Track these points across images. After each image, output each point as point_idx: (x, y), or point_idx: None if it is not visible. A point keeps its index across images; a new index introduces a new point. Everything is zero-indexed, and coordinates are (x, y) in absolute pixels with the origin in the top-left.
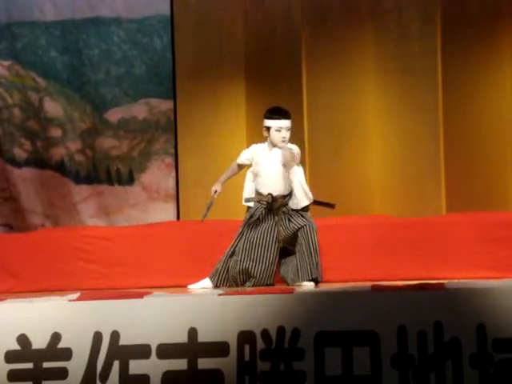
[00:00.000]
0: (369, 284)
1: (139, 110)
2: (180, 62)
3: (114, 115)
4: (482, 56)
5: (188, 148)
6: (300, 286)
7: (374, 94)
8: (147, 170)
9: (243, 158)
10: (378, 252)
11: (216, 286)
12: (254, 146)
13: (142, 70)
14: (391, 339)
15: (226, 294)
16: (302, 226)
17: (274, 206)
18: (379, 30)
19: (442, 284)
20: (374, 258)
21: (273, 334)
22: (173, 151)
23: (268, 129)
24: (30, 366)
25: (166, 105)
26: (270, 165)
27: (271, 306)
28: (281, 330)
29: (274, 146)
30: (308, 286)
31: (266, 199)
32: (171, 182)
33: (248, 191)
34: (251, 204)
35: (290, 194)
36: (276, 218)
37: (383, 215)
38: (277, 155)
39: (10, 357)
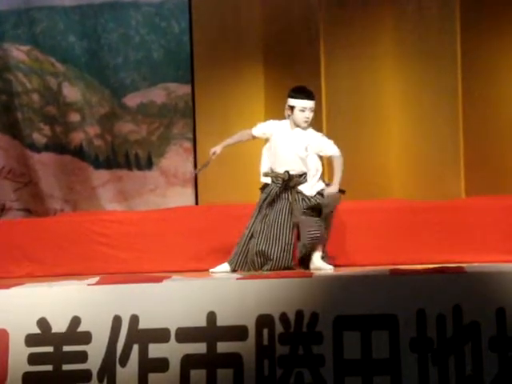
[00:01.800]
0: (387, 268)
1: (157, 95)
2: (198, 46)
3: (132, 100)
4: (502, 38)
5: (206, 132)
6: (319, 269)
7: (393, 78)
8: (166, 154)
9: (261, 130)
10: (396, 236)
11: (234, 270)
12: (273, 122)
13: (160, 54)
14: (410, 323)
15: (245, 277)
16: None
17: (290, 184)
18: (398, 13)
19: (462, 267)
20: (392, 242)
21: (291, 317)
22: (191, 136)
23: (291, 108)
24: (50, 349)
25: (184, 89)
26: (289, 143)
27: (290, 289)
28: (299, 314)
29: (297, 125)
30: (327, 269)
31: (282, 176)
32: (189, 167)
33: (265, 167)
34: (268, 180)
35: (305, 176)
36: (290, 198)
37: (402, 199)
38: (299, 135)
39: (31, 340)
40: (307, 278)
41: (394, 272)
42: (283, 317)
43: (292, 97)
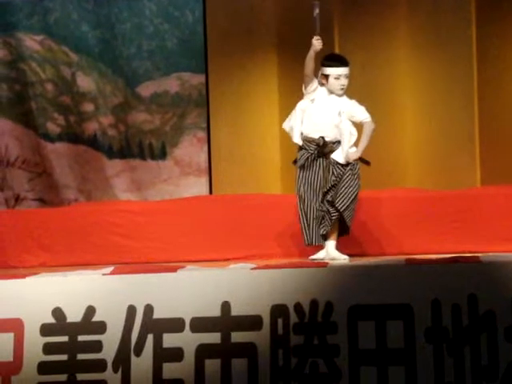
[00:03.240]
0: (403, 257)
1: (171, 84)
2: (211, 36)
3: (146, 89)
4: None
5: (220, 122)
6: (334, 259)
7: (408, 66)
8: (179, 144)
9: (315, 82)
10: (411, 225)
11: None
12: (318, 84)
13: (174, 43)
14: (425, 312)
15: (259, 267)
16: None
17: (325, 151)
18: (412, 2)
19: (477, 257)
20: (407, 231)
21: (306, 307)
22: (205, 125)
23: (326, 77)
24: (65, 339)
25: (197, 79)
26: (325, 110)
27: (304, 279)
28: (314, 304)
29: (332, 93)
30: (341, 259)
31: (317, 141)
32: (203, 157)
33: (298, 129)
34: (301, 142)
35: (338, 144)
36: (324, 163)
37: (417, 188)
38: (333, 102)
39: (46, 330)
40: (322, 268)
41: (409, 261)
42: (298, 307)
43: (325, 65)
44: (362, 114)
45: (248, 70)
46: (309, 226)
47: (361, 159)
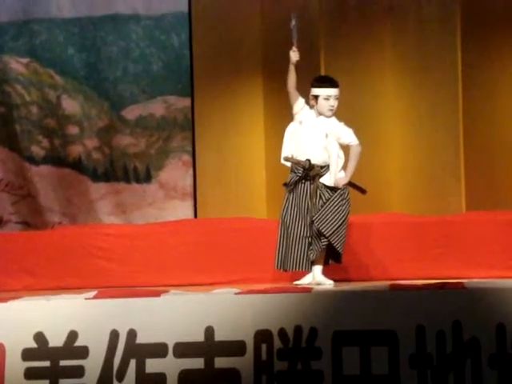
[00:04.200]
0: (387, 283)
1: (157, 108)
2: (197, 59)
3: (131, 113)
4: (502, 52)
5: (205, 146)
6: (319, 284)
7: (393, 91)
8: (164, 167)
9: (302, 105)
10: (396, 251)
11: (284, 270)
12: (306, 106)
13: (160, 67)
14: (410, 339)
15: (243, 292)
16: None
17: (311, 174)
18: (398, 26)
19: (461, 283)
20: (393, 256)
21: (290, 333)
22: (190, 149)
23: (315, 97)
24: (46, 364)
25: (183, 102)
26: (313, 132)
27: (288, 304)
28: (298, 329)
29: (320, 114)
30: (327, 284)
31: (303, 164)
32: (188, 180)
33: (287, 151)
34: (288, 164)
35: (327, 168)
36: (310, 189)
37: (402, 213)
38: (321, 124)
39: (27, 355)
40: (306, 293)
41: (393, 287)
42: (282, 332)
43: (315, 86)
44: (349, 136)
45: (233, 94)
46: (285, 251)
47: (355, 186)
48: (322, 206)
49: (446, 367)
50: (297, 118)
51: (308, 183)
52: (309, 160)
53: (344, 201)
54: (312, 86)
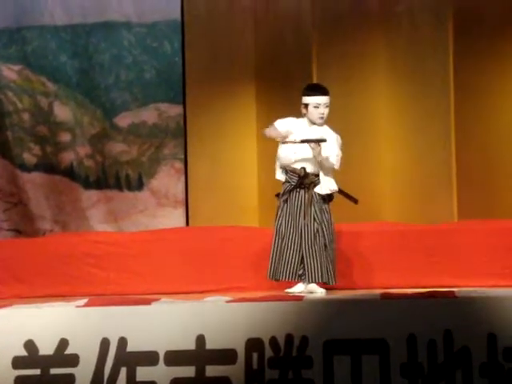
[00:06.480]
0: (378, 292)
1: (149, 115)
2: (190, 67)
3: (123, 120)
4: (494, 60)
5: (197, 153)
6: (311, 292)
7: (386, 98)
8: (156, 175)
9: (284, 127)
10: (387, 259)
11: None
12: (292, 119)
13: (152, 74)
14: (401, 348)
15: (235, 300)
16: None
17: (306, 182)
18: (390, 34)
19: (452, 292)
20: (384, 265)
21: (281, 341)
22: (182, 156)
23: (306, 106)
24: (37, 372)
25: (175, 110)
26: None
27: (280, 313)
28: (289, 338)
29: (313, 123)
30: (318, 292)
31: (298, 172)
32: (180, 188)
33: (279, 165)
34: (283, 178)
35: (319, 177)
36: (306, 196)
37: (394, 222)
38: (314, 132)
39: (18, 363)
40: (297, 302)
41: (384, 296)
42: (273, 340)
43: (305, 94)
44: (333, 156)
45: (226, 101)
46: (278, 261)
47: (347, 195)
48: (318, 217)
49: (437, 376)
50: (288, 138)
51: (302, 192)
52: (304, 168)
53: (330, 218)
54: (302, 95)
